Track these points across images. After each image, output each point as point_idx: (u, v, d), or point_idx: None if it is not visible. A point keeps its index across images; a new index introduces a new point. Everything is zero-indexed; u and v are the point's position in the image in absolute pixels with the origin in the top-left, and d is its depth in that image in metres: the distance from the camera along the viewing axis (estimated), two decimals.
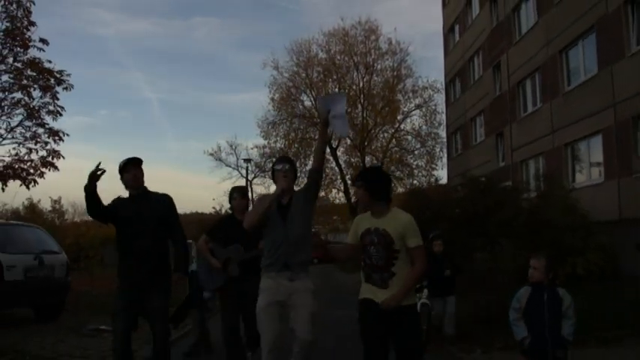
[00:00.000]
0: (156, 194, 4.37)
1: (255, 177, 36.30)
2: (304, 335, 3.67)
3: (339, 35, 32.14)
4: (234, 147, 38.09)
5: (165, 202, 4.35)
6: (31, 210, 42.06)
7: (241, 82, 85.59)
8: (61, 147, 14.64)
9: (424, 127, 32.02)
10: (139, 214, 4.14)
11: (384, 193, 3.53)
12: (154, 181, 3.95)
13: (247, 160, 33.75)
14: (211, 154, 36.90)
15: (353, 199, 31.29)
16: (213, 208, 35.47)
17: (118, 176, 4.31)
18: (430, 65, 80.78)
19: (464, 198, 12.25)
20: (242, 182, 35.37)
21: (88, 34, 77.38)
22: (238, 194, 5.04)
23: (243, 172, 35.61)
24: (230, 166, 37.41)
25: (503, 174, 19.26)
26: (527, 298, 3.79)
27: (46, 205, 45.90)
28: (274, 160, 4.60)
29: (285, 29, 73.87)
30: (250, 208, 4.81)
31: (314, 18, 74.44)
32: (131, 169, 4.23)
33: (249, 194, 35.20)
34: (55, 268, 8.02)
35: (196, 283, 5.62)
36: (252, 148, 50.23)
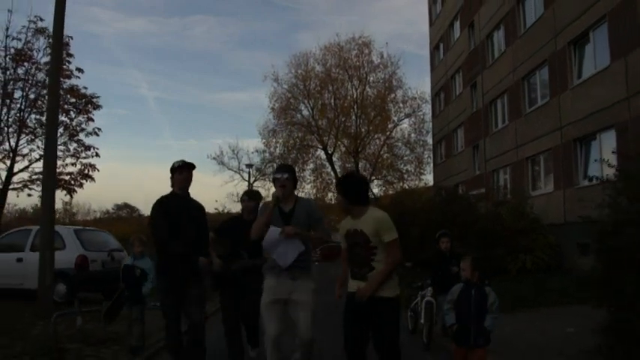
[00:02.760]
0: (194, 200, 4.81)
1: (255, 180, 38.89)
2: (305, 335, 3.99)
3: (334, 50, 34.82)
4: (236, 151, 40.87)
5: (201, 209, 4.85)
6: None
7: (239, 80, 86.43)
8: (96, 160, 17.35)
9: (413, 135, 34.73)
10: (186, 213, 4.58)
11: (359, 197, 3.82)
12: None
13: (249, 166, 36.31)
14: (214, 158, 39.41)
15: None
16: (216, 209, 37.64)
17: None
18: (427, 64, 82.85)
19: (434, 205, 14.86)
20: (244, 185, 37.94)
21: (84, 32, 78.08)
22: (246, 196, 5.42)
23: (245, 175, 38.21)
24: (232, 170, 39.95)
25: (479, 181, 21.94)
26: (459, 293, 4.25)
27: (57, 205, 48.27)
28: (275, 166, 5.94)
29: (282, 28, 75.65)
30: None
31: (311, 16, 75.78)
32: (184, 172, 4.62)
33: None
34: (121, 262, 10.59)
35: (133, 278, 6.01)
36: (252, 152, 52.87)
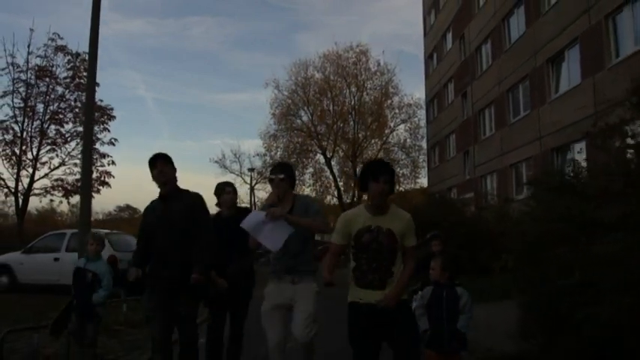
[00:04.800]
0: (187, 193, 4.22)
1: (257, 183, 40.34)
2: (301, 338, 3.73)
3: (332, 57, 36.15)
4: (237, 155, 42.36)
5: (192, 202, 4.18)
6: (52, 212, 46.16)
7: (238, 81, 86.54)
8: (112, 168, 18.74)
9: (409, 139, 36.01)
10: (166, 216, 4.06)
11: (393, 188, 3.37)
12: (153, 181, 4.25)
13: (251, 170, 37.69)
14: (216, 162, 40.77)
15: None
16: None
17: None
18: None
19: (425, 208, 16.23)
20: (245, 188, 39.43)
21: (81, 32, 78.27)
22: (231, 188, 4.80)
23: (247, 178, 39.60)
24: (234, 173, 41.33)
25: (469, 186, 23.32)
26: (430, 295, 4.07)
27: (64, 209, 50.05)
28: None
29: (281, 28, 76.56)
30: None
31: (310, 17, 76.46)
32: (158, 165, 4.12)
33: (252, 199, 39.34)
34: None
35: (84, 284, 4.93)
36: (254, 156, 54.43)
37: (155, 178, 4.12)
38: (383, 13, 73.96)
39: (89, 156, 10.19)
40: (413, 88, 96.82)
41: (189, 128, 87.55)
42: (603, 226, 3.16)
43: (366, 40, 72.49)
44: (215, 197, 4.78)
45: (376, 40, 74.99)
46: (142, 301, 4.30)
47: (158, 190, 4.18)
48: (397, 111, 36.14)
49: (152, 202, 4.28)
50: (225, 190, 4.68)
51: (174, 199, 4.09)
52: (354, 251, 3.30)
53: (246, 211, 4.47)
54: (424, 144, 34.53)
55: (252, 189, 39.57)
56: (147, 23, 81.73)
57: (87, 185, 10.07)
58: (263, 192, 42.50)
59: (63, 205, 55.70)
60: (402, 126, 36.29)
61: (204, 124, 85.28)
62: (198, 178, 76.74)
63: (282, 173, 3.92)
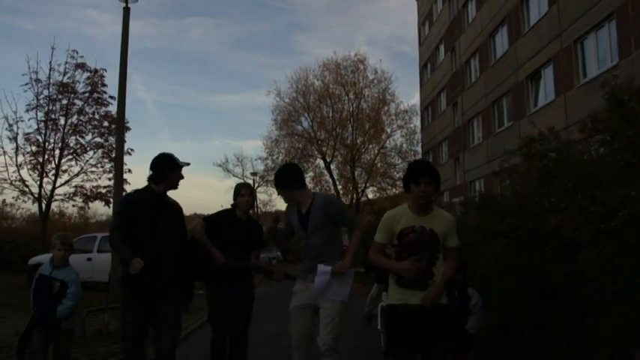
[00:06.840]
0: (170, 199, 4.08)
1: (259, 186, 41.99)
2: (323, 342, 3.71)
3: (331, 66, 37.74)
4: (240, 159, 44.13)
5: (179, 209, 4.13)
6: (61, 215, 47.74)
7: (237, 81, 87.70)
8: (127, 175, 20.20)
9: (405, 145, 37.53)
10: (167, 214, 3.94)
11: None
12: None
13: (254, 174, 39.32)
14: (219, 165, 42.38)
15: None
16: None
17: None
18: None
19: None
20: None
21: (81, 34, 78.66)
22: (247, 191, 4.75)
23: (249, 182, 41.14)
24: (237, 177, 42.95)
25: (459, 190, 24.85)
26: None
27: (72, 211, 51.55)
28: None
29: (279, 29, 78.08)
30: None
31: (307, 17, 77.85)
32: (181, 173, 4.02)
33: (254, 202, 40.90)
34: None
35: (50, 293, 4.38)
36: (256, 159, 56.16)
37: (177, 180, 4.01)
38: (381, 14, 75.67)
39: (120, 167, 11.78)
40: (413, 89, 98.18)
41: (189, 129, 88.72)
42: (501, 234, 4.68)
43: (363, 41, 74.05)
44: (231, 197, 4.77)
45: (374, 41, 76.71)
46: (123, 313, 3.87)
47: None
48: (394, 117, 37.63)
49: (137, 194, 4.03)
50: (240, 193, 4.65)
51: (163, 202, 3.97)
52: (396, 250, 3.33)
53: (255, 223, 4.80)
54: (419, 149, 36.12)
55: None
56: (146, 24, 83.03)
57: (118, 192, 11.65)
58: (265, 195, 44.19)
59: (70, 208, 57.24)
60: (398, 132, 37.88)
61: (203, 125, 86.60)
62: (198, 179, 77.92)
63: (277, 186, 4.09)
